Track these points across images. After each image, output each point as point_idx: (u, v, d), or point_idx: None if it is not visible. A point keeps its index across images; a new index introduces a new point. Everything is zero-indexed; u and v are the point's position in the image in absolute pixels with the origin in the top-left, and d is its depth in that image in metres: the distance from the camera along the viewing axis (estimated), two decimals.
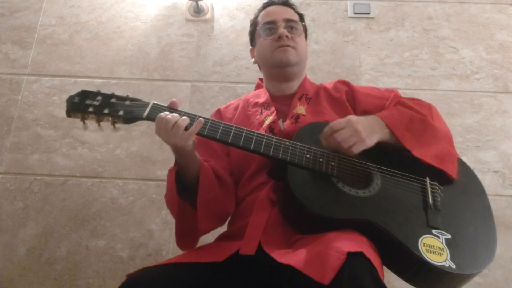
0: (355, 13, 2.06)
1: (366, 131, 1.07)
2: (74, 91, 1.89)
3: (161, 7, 2.09)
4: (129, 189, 1.78)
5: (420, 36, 2.02)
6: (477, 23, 2.04)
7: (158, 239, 1.71)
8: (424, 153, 1.11)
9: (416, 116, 1.17)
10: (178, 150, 1.07)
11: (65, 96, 1.91)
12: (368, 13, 2.06)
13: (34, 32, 2.05)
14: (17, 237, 1.72)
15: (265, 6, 1.40)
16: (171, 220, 1.73)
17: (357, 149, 1.07)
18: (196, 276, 1.00)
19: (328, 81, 1.43)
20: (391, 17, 2.06)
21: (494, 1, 2.08)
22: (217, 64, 1.98)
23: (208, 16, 2.05)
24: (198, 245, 1.17)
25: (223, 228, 1.25)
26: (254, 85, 1.48)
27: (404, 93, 1.91)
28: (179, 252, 1.65)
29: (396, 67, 1.97)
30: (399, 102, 1.24)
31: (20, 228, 1.73)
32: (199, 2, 2.01)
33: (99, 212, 1.75)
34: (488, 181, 1.75)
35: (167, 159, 1.80)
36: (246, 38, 2.03)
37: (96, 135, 1.86)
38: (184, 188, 1.12)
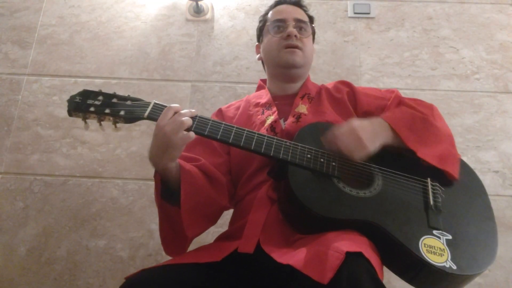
0: (355, 13, 2.06)
1: (368, 138, 1.07)
2: (74, 91, 1.89)
3: (161, 7, 2.09)
4: (129, 189, 1.78)
5: (420, 36, 2.02)
6: (477, 23, 2.04)
7: (158, 239, 1.67)
8: (427, 154, 1.11)
9: (418, 115, 1.17)
10: (171, 149, 1.00)
11: (66, 96, 1.93)
12: (368, 13, 2.06)
13: (34, 32, 2.05)
14: (17, 237, 1.72)
15: (277, 3, 1.41)
16: None
17: (358, 156, 1.07)
18: (195, 276, 1.00)
19: (328, 81, 1.44)
20: (391, 17, 2.06)
21: (494, 1, 2.08)
22: (217, 64, 1.98)
23: (208, 16, 2.06)
24: (199, 245, 1.17)
25: (224, 228, 1.25)
26: (254, 85, 1.48)
27: (404, 93, 1.91)
28: None
29: (396, 67, 1.97)
30: (401, 102, 1.25)
31: (20, 228, 1.73)
32: (199, 2, 2.01)
33: (99, 212, 1.75)
34: (488, 181, 1.75)
35: None
36: (246, 38, 2.05)
37: (96, 135, 1.86)
38: (171, 193, 1.08)
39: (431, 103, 1.27)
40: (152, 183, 1.78)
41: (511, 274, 1.64)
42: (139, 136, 1.86)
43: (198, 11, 2.04)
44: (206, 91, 1.93)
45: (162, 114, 1.02)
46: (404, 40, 2.02)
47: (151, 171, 1.81)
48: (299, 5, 1.40)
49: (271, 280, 1.01)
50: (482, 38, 2.01)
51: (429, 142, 1.14)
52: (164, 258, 1.67)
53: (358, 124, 1.09)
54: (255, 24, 2.05)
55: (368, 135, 1.08)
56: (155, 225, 1.73)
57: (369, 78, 1.94)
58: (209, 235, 1.67)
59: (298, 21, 1.33)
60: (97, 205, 1.76)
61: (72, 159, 1.83)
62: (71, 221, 1.74)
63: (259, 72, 1.95)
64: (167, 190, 1.07)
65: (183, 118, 1.00)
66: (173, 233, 1.10)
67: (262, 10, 2.06)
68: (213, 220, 1.19)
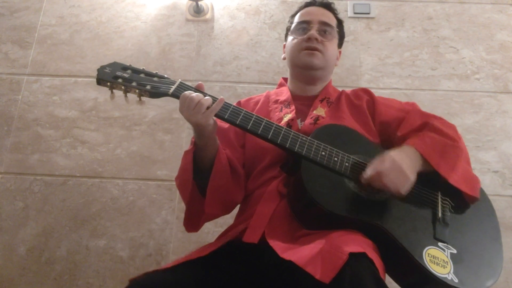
0: (355, 13, 2.06)
1: (409, 169, 1.06)
2: (74, 91, 1.92)
3: (161, 7, 2.09)
4: (129, 189, 1.78)
5: (420, 36, 2.02)
6: (478, 23, 2.04)
7: (159, 239, 1.71)
8: (458, 180, 1.11)
9: (449, 143, 1.17)
10: (199, 129, 1.08)
11: (66, 96, 1.94)
12: (368, 13, 2.06)
13: (34, 32, 2.05)
14: (17, 237, 1.72)
15: (307, 5, 1.41)
16: (172, 220, 1.74)
17: (405, 191, 1.05)
18: (199, 274, 1.01)
19: None
20: (391, 17, 2.06)
21: (495, 1, 2.08)
22: (217, 64, 1.98)
23: (208, 16, 2.05)
24: (199, 245, 1.18)
25: (224, 228, 1.25)
26: (255, 85, 1.49)
27: (405, 93, 1.92)
28: (180, 251, 1.67)
29: (396, 67, 1.97)
30: (428, 125, 1.22)
31: (20, 228, 1.73)
32: (199, 2, 2.01)
33: (99, 212, 1.75)
34: (488, 181, 1.75)
35: (167, 158, 1.81)
36: (246, 38, 2.05)
37: (96, 135, 1.86)
38: (196, 171, 1.13)
39: (452, 123, 1.27)
40: (152, 183, 1.81)
41: (511, 274, 1.64)
42: (139, 136, 1.86)
43: (198, 11, 2.04)
44: (206, 90, 1.92)
45: (180, 103, 1.08)
46: (404, 40, 2.02)
47: (151, 171, 1.83)
48: (328, 8, 1.39)
49: (273, 276, 1.02)
50: (482, 38, 2.01)
51: (457, 166, 1.14)
52: (164, 257, 1.68)
53: (398, 157, 1.07)
54: (255, 24, 2.06)
55: (408, 166, 1.06)
56: (155, 225, 1.73)
57: (369, 78, 1.95)
58: (209, 235, 1.67)
59: (323, 24, 1.33)
60: (97, 205, 1.76)
61: (72, 159, 1.83)
62: (71, 221, 1.74)
63: (260, 72, 1.95)
64: (195, 169, 1.13)
65: (201, 100, 1.06)
66: (194, 209, 1.17)
67: (263, 10, 2.08)
68: (227, 208, 1.22)
